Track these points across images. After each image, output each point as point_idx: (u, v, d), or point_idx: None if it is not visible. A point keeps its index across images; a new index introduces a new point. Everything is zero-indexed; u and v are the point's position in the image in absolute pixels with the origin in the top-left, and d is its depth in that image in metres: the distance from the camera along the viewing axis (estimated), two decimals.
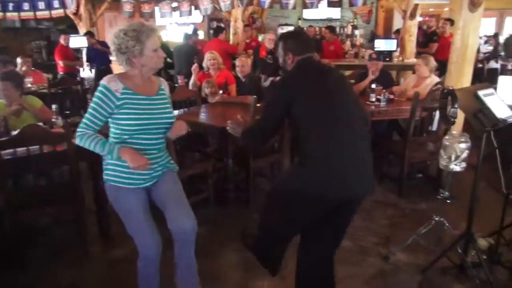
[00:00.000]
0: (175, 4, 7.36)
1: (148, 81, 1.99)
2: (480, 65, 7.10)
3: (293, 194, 1.83)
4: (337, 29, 10.42)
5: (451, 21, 6.36)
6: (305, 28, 9.32)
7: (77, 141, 1.89)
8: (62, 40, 6.75)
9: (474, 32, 3.49)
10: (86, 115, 1.88)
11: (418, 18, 7.20)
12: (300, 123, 1.83)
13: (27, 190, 2.96)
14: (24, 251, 2.73)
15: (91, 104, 1.86)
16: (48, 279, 2.55)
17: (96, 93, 1.86)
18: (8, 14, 6.95)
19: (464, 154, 2.32)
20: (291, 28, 10.31)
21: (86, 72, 6.70)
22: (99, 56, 6.84)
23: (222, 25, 8.94)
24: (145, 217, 1.96)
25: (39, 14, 7.14)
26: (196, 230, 2.06)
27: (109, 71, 6.71)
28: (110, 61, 6.90)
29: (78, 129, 1.87)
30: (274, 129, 1.99)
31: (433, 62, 4.06)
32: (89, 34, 6.90)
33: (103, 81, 1.87)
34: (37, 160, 2.47)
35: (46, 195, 2.71)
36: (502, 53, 7.59)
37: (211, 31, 9.47)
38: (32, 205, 2.57)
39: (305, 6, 6.82)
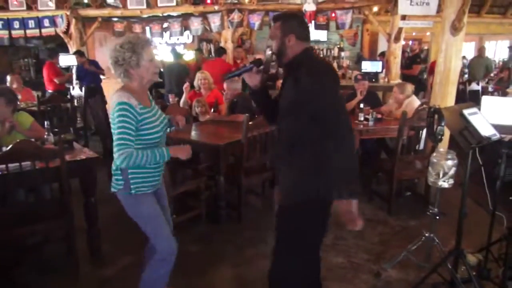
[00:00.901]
0: (165, 25, 7.48)
1: (145, 93, 2.05)
2: (462, 87, 7.37)
3: (316, 207, 1.74)
4: (324, 51, 10.71)
5: None
6: None
7: (124, 163, 1.84)
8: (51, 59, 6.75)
9: (456, 55, 3.65)
10: (120, 135, 1.83)
11: (402, 42, 7.47)
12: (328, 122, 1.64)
13: (16, 208, 2.91)
14: (13, 270, 2.67)
15: (121, 124, 1.83)
16: None
17: (121, 112, 1.84)
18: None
19: (452, 171, 2.39)
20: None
21: (76, 90, 6.70)
22: (89, 75, 6.86)
23: (210, 45, 9.08)
24: (163, 217, 2.08)
25: (30, 32, 7.17)
26: None
27: (98, 89, 6.73)
28: (100, 80, 6.91)
29: (120, 152, 1.83)
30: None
31: (408, 90, 4.14)
32: (78, 53, 6.92)
33: (122, 99, 1.85)
34: (27, 177, 2.45)
35: (35, 213, 2.67)
36: (466, 75, 7.91)
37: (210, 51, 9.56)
38: (21, 223, 2.53)
39: None
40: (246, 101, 4.15)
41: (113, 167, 1.98)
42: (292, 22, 1.75)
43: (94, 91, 6.29)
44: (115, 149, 1.85)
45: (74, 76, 6.86)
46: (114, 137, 1.86)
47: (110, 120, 1.91)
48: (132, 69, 1.90)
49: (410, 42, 7.91)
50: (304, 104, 1.65)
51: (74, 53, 6.92)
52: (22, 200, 2.96)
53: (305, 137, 1.68)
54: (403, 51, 7.69)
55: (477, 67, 7.73)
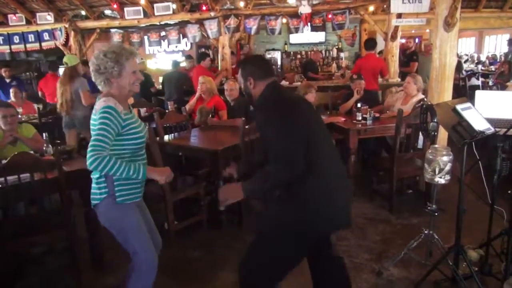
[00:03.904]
0: (163, 33, 7.54)
1: (126, 101, 2.03)
2: (462, 83, 7.34)
3: (287, 233, 1.78)
4: (323, 52, 10.74)
5: None
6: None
7: (94, 164, 1.76)
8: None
9: (451, 51, 3.65)
10: (99, 137, 1.79)
11: (401, 40, 7.47)
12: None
13: (18, 219, 2.94)
14: (16, 281, 2.69)
15: (102, 126, 1.80)
16: None
17: (105, 115, 1.82)
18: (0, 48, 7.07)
19: (447, 167, 2.38)
20: (278, 53, 10.59)
21: None
22: (90, 84, 6.89)
23: (209, 51, 9.10)
24: (145, 228, 2.04)
25: (30, 46, 7.26)
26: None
27: None
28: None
29: (93, 153, 1.76)
30: (300, 156, 1.70)
31: (420, 81, 4.19)
32: (82, 62, 6.98)
33: (109, 103, 1.84)
34: (27, 188, 2.48)
35: (37, 224, 2.69)
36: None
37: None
38: (22, 234, 2.55)
39: (290, 31, 7.03)
40: (242, 105, 4.18)
41: (95, 175, 1.95)
42: (249, 66, 1.92)
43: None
44: (88, 150, 1.78)
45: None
46: (91, 139, 1.82)
47: (91, 125, 1.88)
48: (113, 79, 1.91)
49: (403, 40, 7.87)
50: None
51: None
52: (22, 212, 2.99)
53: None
54: (404, 49, 7.68)
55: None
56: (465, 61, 10.29)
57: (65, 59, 4.80)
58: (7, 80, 6.52)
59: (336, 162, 1.89)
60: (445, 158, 2.37)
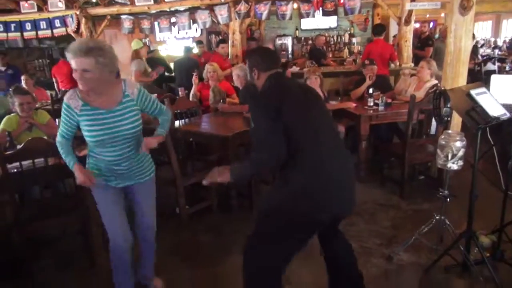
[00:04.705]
0: (173, 19, 7.50)
1: (105, 95, 1.99)
2: (478, 67, 7.18)
3: (284, 217, 1.79)
4: (335, 38, 10.57)
5: None
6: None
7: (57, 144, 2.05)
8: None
9: (467, 35, 3.55)
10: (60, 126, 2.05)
11: (415, 24, 7.29)
12: (289, 134, 1.75)
13: (34, 203, 3.01)
14: (31, 263, 2.77)
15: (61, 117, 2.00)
16: None
17: (62, 109, 1.98)
18: (11, 35, 7.10)
19: (460, 153, 2.35)
20: (289, 39, 10.47)
21: None
22: None
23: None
24: (116, 208, 2.13)
25: (41, 33, 7.29)
26: (154, 236, 2.34)
27: None
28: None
29: (57, 138, 2.05)
30: (281, 142, 1.73)
31: (434, 67, 4.12)
32: None
33: (65, 98, 1.97)
34: (42, 173, 2.53)
35: (51, 207, 2.76)
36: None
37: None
38: (39, 217, 2.62)
39: (301, 16, 6.92)
40: (248, 91, 4.18)
41: None
42: (253, 58, 2.01)
43: None
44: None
45: None
46: None
47: None
48: None
49: (417, 25, 7.67)
50: None
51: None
52: (38, 196, 3.06)
53: None
54: (419, 34, 7.49)
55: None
56: (481, 46, 10.04)
57: (131, 44, 5.53)
58: (3, 68, 6.54)
59: (335, 148, 1.87)
60: (458, 144, 2.33)
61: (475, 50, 7.13)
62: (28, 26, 7.12)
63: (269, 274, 1.86)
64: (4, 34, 7.03)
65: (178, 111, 4.17)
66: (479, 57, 7.87)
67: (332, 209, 1.83)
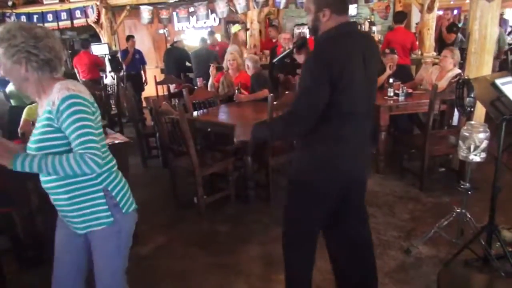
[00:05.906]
0: (192, 9, 7.51)
1: (39, 99, 1.52)
2: (504, 56, 6.93)
3: (306, 185, 1.80)
4: None
5: None
6: None
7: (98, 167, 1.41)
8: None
9: (492, 22, 3.43)
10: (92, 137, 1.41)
11: (438, 12, 7.08)
12: (331, 106, 1.60)
13: None
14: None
15: (85, 123, 1.40)
16: None
17: (81, 108, 1.40)
18: None
19: (484, 144, 2.28)
20: (307, 29, 10.32)
21: (108, 79, 6.92)
22: (131, 62, 7.03)
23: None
24: (63, 250, 1.69)
25: (62, 24, 7.44)
26: None
27: (139, 76, 6.94)
28: (140, 68, 7.11)
29: (98, 154, 1.40)
30: (311, 119, 1.62)
31: (458, 55, 4.00)
32: (131, 37, 7.13)
33: (83, 94, 1.43)
34: None
35: None
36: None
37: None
38: None
39: None
40: (260, 78, 4.21)
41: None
42: None
43: (134, 78, 6.54)
44: None
45: (108, 66, 7.08)
46: None
47: None
48: None
49: (441, 12, 7.42)
50: None
51: (128, 38, 7.12)
52: None
53: None
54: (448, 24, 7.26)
55: None
56: (509, 33, 9.64)
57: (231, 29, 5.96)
58: None
59: (364, 120, 1.76)
60: (481, 135, 2.27)
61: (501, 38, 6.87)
62: (50, 17, 7.27)
63: (304, 238, 1.92)
64: None
65: (197, 101, 4.20)
66: (506, 45, 7.57)
67: (349, 176, 1.81)
